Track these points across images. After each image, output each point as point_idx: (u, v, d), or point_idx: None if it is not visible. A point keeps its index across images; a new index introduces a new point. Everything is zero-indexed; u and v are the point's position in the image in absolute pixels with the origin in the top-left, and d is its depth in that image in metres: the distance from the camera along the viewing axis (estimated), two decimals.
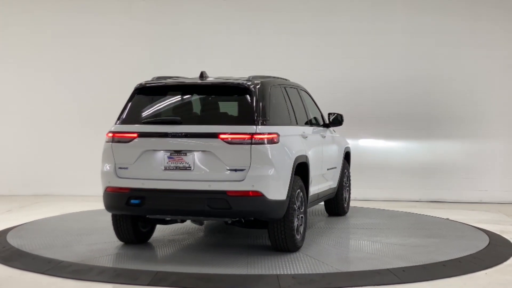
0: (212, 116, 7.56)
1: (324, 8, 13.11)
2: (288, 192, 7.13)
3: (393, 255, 7.37)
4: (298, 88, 8.91)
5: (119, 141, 7.24)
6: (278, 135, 7.09)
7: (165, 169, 7.09)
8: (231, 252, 7.46)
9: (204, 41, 13.19)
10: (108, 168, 7.28)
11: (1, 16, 13.52)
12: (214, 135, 6.93)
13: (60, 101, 13.37)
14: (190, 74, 8.17)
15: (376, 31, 12.95)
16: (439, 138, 12.93)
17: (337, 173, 9.70)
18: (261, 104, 7.16)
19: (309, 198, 7.99)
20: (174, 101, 7.63)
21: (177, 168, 7.06)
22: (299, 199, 7.50)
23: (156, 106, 7.51)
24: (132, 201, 7.11)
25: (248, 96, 7.18)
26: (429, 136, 12.96)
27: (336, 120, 9.43)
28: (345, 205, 10.30)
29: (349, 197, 10.53)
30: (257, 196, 6.84)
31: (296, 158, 7.38)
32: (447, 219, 10.25)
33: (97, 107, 13.03)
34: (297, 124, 8.10)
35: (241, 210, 6.94)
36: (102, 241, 8.08)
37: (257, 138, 6.88)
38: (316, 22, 13.08)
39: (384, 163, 12.98)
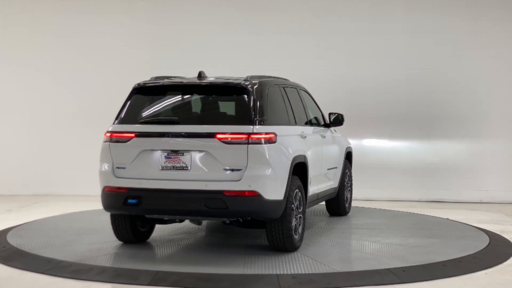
0: (209, 116, 7.56)
1: (324, 8, 13.11)
2: (285, 192, 7.12)
3: (392, 255, 7.36)
4: (298, 88, 8.90)
5: (116, 141, 7.25)
6: (276, 135, 7.09)
7: (162, 169, 7.09)
8: (231, 252, 7.46)
9: (204, 41, 13.18)
10: (106, 167, 7.29)
11: (1, 16, 13.52)
12: (211, 135, 6.94)
13: (60, 101, 13.38)
14: (190, 74, 8.17)
15: (376, 31, 12.95)
16: (439, 138, 12.93)
17: (338, 173, 9.68)
18: (258, 104, 7.15)
19: (308, 198, 7.98)
20: (171, 101, 7.63)
21: (174, 168, 7.06)
22: (297, 199, 7.49)
23: (153, 106, 7.52)
24: (130, 200, 7.12)
25: (245, 96, 7.18)
26: (429, 136, 12.95)
27: (337, 120, 9.42)
28: (347, 205, 10.28)
29: (351, 197, 10.52)
30: (254, 196, 6.83)
31: (294, 158, 7.37)
32: (447, 219, 10.25)
33: (97, 107, 13.03)
34: (296, 124, 8.09)
35: (238, 210, 6.93)
36: (102, 240, 8.08)
37: (254, 138, 6.88)
38: (316, 22, 13.08)
39: (384, 163, 12.97)
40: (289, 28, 13.12)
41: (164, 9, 13.42)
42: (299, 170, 7.64)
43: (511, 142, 12.84)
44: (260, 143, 6.90)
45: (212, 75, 7.85)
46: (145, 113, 7.43)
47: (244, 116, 7.07)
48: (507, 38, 12.81)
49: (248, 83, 7.29)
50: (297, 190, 7.44)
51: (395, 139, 13.09)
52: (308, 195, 7.98)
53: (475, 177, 12.79)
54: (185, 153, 7.04)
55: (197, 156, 7.00)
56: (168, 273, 6.46)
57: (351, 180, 10.51)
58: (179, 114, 7.47)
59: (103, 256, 7.25)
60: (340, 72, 13.02)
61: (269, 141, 6.98)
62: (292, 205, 7.31)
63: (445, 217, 10.37)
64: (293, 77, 9.58)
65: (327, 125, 9.47)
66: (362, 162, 12.30)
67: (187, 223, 8.77)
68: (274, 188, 6.98)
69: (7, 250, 7.61)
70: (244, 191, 6.83)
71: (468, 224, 9.68)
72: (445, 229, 9.20)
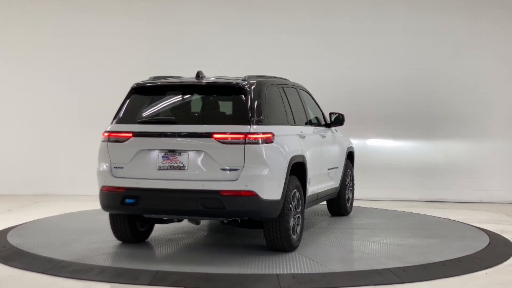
0: (206, 115, 7.55)
1: (324, 8, 13.10)
2: (283, 192, 7.11)
3: (392, 256, 7.34)
4: (297, 88, 8.89)
5: (114, 141, 7.27)
6: (273, 134, 7.08)
7: (160, 168, 7.10)
8: (231, 251, 7.45)
9: (204, 41, 13.18)
10: (104, 167, 7.30)
11: (1, 16, 13.52)
12: (208, 135, 6.94)
13: (60, 101, 13.38)
14: (190, 74, 8.17)
15: (376, 31, 12.95)
16: (440, 138, 12.93)
17: (339, 173, 9.67)
18: (256, 103, 7.15)
19: (307, 198, 7.97)
20: (169, 100, 7.63)
21: (171, 168, 7.07)
22: (296, 199, 7.48)
23: (151, 105, 7.53)
24: (127, 200, 7.12)
25: (243, 96, 7.18)
26: (430, 136, 12.95)
27: (338, 120, 9.42)
28: (348, 205, 10.25)
29: (352, 197, 10.50)
30: (251, 195, 6.83)
31: (292, 158, 7.36)
32: (447, 219, 10.25)
33: (97, 107, 13.02)
34: (295, 124, 8.07)
35: (235, 210, 6.93)
36: (101, 240, 8.08)
37: (251, 137, 6.88)
38: (316, 22, 13.08)
39: (384, 163, 12.97)
40: (289, 28, 13.12)
41: (164, 9, 13.42)
42: (298, 170, 7.63)
43: (511, 142, 12.84)
44: (257, 143, 6.90)
45: (211, 75, 7.85)
46: (142, 113, 7.43)
47: (241, 116, 7.07)
48: (507, 38, 12.81)
49: (245, 83, 7.29)
50: (295, 190, 7.43)
51: (395, 139, 13.09)
52: (307, 195, 7.97)
53: (475, 177, 12.79)
54: (182, 153, 7.05)
55: (194, 156, 7.00)
56: (168, 273, 6.45)
57: (353, 180, 10.48)
58: (177, 114, 7.48)
59: (103, 256, 7.25)
60: (340, 72, 13.01)
61: (266, 141, 6.98)
62: (290, 205, 7.29)
63: (446, 217, 10.37)
64: (293, 77, 9.58)
65: (327, 125, 9.45)
66: (362, 162, 12.29)
67: (186, 223, 8.77)
68: (271, 188, 6.97)
69: (7, 250, 7.61)
70: (240, 191, 6.83)
71: (468, 224, 9.68)
72: (445, 229, 9.20)
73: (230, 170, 6.88)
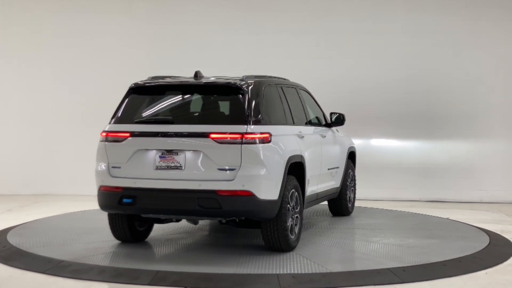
0: (204, 115, 7.54)
1: (324, 8, 13.10)
2: (280, 192, 7.10)
3: (392, 256, 7.34)
4: (297, 88, 8.88)
5: (112, 141, 7.29)
6: (270, 134, 7.07)
7: (157, 168, 7.11)
8: (231, 251, 7.45)
9: (204, 41, 13.18)
10: (102, 167, 7.32)
11: (1, 16, 13.52)
12: (205, 135, 6.94)
13: (60, 101, 13.38)
14: (190, 74, 8.16)
15: (376, 31, 12.95)
16: (440, 138, 12.93)
17: (339, 173, 9.65)
18: (253, 103, 7.15)
19: (306, 198, 7.95)
20: (167, 100, 7.63)
21: (168, 168, 7.07)
22: (294, 199, 7.46)
23: (149, 105, 7.53)
24: (124, 200, 7.14)
25: (240, 96, 7.18)
26: (429, 136, 12.95)
27: (338, 120, 9.40)
28: (349, 205, 10.22)
29: (354, 197, 10.48)
30: (248, 195, 6.83)
31: (290, 158, 7.34)
32: (448, 218, 10.25)
33: (97, 106, 13.01)
34: (293, 123, 8.05)
35: (232, 210, 6.93)
36: (100, 239, 8.09)
37: (248, 137, 6.88)
38: (316, 22, 13.08)
39: (384, 163, 12.96)
40: (289, 28, 13.11)
41: (164, 9, 13.42)
42: (296, 170, 7.62)
43: (511, 142, 12.84)
44: (254, 143, 6.90)
45: (210, 75, 7.85)
46: (140, 113, 7.44)
47: (239, 115, 7.06)
48: (507, 38, 12.81)
49: (243, 82, 7.28)
50: (293, 190, 7.41)
51: (395, 139, 13.09)
52: (306, 195, 7.95)
53: (475, 177, 12.79)
54: (179, 153, 7.05)
55: (191, 155, 7.01)
56: (168, 273, 6.45)
57: (355, 180, 10.46)
58: (174, 114, 7.48)
59: (99, 255, 7.25)
60: (340, 72, 13.01)
61: (263, 141, 6.97)
62: (288, 205, 7.28)
63: (446, 217, 10.37)
64: (293, 77, 9.57)
65: (328, 125, 9.44)
66: (362, 162, 12.27)
67: (185, 222, 8.77)
68: (268, 188, 6.97)
69: (7, 249, 7.61)
70: (237, 191, 6.82)
71: (468, 224, 9.68)
72: (445, 229, 9.19)
73: (227, 170, 6.88)
